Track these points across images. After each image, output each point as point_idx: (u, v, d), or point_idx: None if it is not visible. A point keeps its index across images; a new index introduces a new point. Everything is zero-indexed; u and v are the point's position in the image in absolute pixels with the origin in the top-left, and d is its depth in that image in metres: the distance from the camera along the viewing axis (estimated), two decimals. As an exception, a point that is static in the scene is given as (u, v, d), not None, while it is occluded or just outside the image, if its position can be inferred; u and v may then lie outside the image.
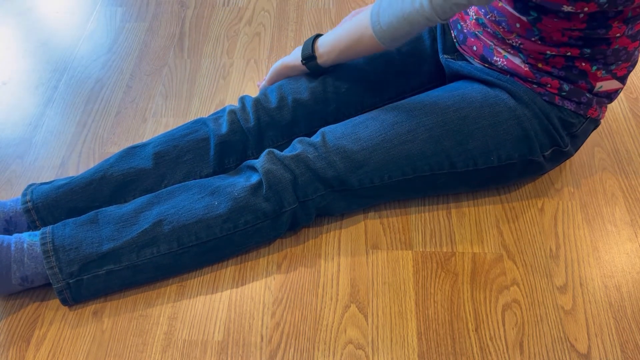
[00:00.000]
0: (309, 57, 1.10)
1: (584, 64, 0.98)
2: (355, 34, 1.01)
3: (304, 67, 1.13)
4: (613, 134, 1.28)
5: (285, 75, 1.18)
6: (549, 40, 0.96)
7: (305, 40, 1.25)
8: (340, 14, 1.59)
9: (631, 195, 1.17)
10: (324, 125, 1.14)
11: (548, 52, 0.97)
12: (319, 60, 1.10)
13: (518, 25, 0.96)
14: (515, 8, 0.94)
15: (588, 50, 0.96)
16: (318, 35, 1.10)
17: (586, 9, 0.88)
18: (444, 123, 1.03)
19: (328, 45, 1.07)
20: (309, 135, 1.13)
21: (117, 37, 1.56)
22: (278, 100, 1.13)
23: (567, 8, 0.89)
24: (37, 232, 1.01)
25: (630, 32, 0.94)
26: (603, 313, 1.00)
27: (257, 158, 1.12)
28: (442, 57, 1.13)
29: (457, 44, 1.11)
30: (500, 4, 0.97)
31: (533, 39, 0.97)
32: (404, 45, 1.16)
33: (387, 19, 0.95)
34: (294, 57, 1.14)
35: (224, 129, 1.11)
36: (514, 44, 0.99)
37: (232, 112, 1.13)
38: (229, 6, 1.64)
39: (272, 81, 1.20)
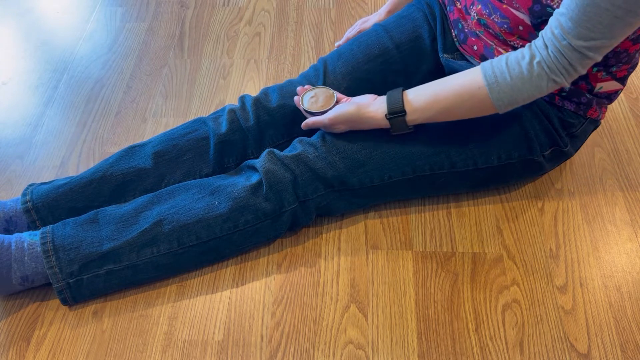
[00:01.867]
0: (398, 111, 0.97)
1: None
2: (463, 93, 0.93)
3: (384, 122, 1.00)
4: (613, 134, 1.28)
5: (351, 124, 1.02)
6: None
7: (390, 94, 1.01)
8: (341, 14, 1.59)
9: (631, 195, 1.17)
10: (324, 125, 1.14)
11: None
12: (409, 117, 0.97)
13: (521, 27, 0.96)
14: (530, 11, 0.93)
15: None
16: (401, 88, 1.00)
17: None
18: (444, 122, 1.03)
19: (424, 101, 0.96)
20: (309, 134, 1.13)
21: (117, 37, 1.56)
22: (278, 100, 1.12)
23: None
24: (38, 232, 1.01)
25: (632, 36, 0.94)
26: (603, 313, 1.00)
27: (257, 157, 1.12)
28: (442, 57, 1.13)
29: (457, 44, 1.11)
30: (504, 6, 0.97)
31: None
32: (404, 44, 1.16)
33: (509, 80, 0.89)
34: (376, 107, 0.99)
35: (224, 128, 1.11)
36: (515, 45, 0.99)
37: (232, 111, 1.13)
38: (229, 6, 1.64)
39: (334, 124, 1.02)
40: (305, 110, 1.06)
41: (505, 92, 0.90)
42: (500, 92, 0.90)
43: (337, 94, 1.07)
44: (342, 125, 1.03)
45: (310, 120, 1.05)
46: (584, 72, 0.87)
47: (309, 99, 1.07)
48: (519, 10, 0.95)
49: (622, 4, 0.78)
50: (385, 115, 0.98)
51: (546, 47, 0.87)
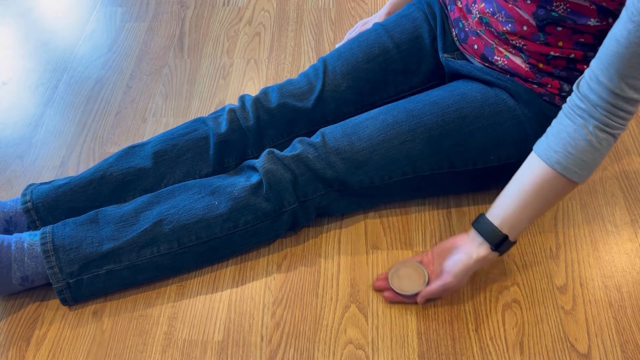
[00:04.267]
0: (502, 239, 0.93)
1: (585, 67, 0.98)
2: (543, 189, 0.90)
3: (494, 255, 0.95)
4: (613, 134, 1.27)
5: (471, 273, 0.97)
6: (554, 43, 0.96)
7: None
8: (340, 14, 1.59)
9: (631, 195, 1.17)
10: (323, 124, 1.14)
11: (551, 53, 0.97)
12: (512, 237, 0.94)
13: (525, 28, 0.96)
14: (535, 14, 0.93)
15: (592, 54, 0.95)
16: (480, 216, 0.96)
17: (610, 20, 0.89)
18: (444, 122, 1.03)
19: (513, 216, 0.93)
20: (309, 134, 1.13)
21: (117, 37, 1.56)
22: (278, 99, 1.12)
23: (593, 22, 0.89)
24: (38, 232, 1.01)
25: None
26: (603, 313, 1.00)
27: (256, 157, 1.12)
28: (442, 56, 1.13)
29: (457, 43, 1.11)
30: (509, 5, 0.97)
31: (538, 42, 0.97)
32: (404, 43, 1.16)
33: (580, 156, 0.86)
34: (477, 245, 0.95)
35: (224, 127, 1.11)
36: (517, 44, 0.99)
37: (232, 110, 1.13)
38: (229, 6, 1.64)
39: (461, 281, 0.97)
40: (407, 295, 1.00)
41: (583, 168, 0.87)
42: (578, 169, 0.87)
43: (417, 261, 1.02)
44: (466, 279, 0.98)
45: (432, 289, 0.97)
46: (637, 110, 0.85)
47: (406, 280, 1.00)
48: (524, 11, 0.95)
49: None
50: (491, 249, 0.94)
51: (595, 108, 0.83)
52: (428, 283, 0.99)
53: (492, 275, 1.05)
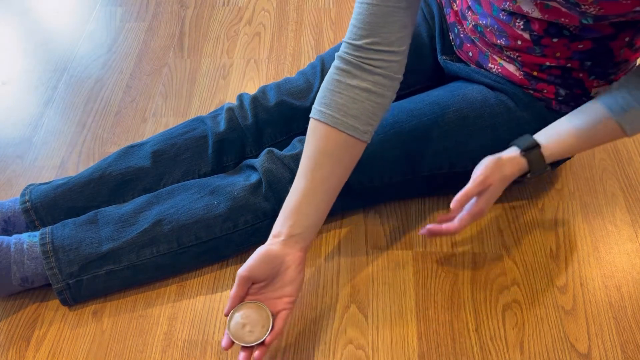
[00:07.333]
0: (532, 144, 0.93)
1: (581, 75, 0.97)
2: (594, 129, 0.91)
3: (522, 161, 0.93)
4: (613, 133, 1.27)
5: (503, 176, 0.93)
6: (551, 55, 0.95)
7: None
8: (341, 14, 1.59)
9: (631, 195, 1.16)
10: (322, 123, 1.13)
11: (547, 63, 0.96)
12: (546, 151, 0.93)
13: (519, 42, 0.95)
14: (546, 31, 0.93)
15: (589, 63, 0.95)
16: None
17: (627, 29, 0.89)
18: (444, 123, 1.03)
19: (551, 134, 0.94)
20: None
21: (117, 37, 1.56)
22: (276, 98, 1.12)
23: (608, 31, 0.89)
24: (37, 233, 1.01)
25: (633, 48, 0.93)
26: (603, 313, 1.00)
27: (255, 155, 1.12)
28: (441, 58, 1.13)
29: (454, 48, 1.10)
30: (501, 21, 0.95)
31: (534, 54, 0.96)
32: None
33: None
34: (511, 150, 0.95)
35: (222, 126, 1.11)
36: (511, 55, 0.99)
37: (230, 109, 1.13)
38: (229, 6, 1.64)
39: (486, 183, 0.93)
40: (244, 345, 0.84)
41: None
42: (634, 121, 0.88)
43: (266, 308, 0.87)
44: (498, 177, 0.93)
45: (468, 189, 0.91)
46: None
47: (243, 329, 0.85)
48: (520, 30, 0.93)
49: None
50: (521, 153, 0.93)
51: None
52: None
53: (492, 275, 1.05)
